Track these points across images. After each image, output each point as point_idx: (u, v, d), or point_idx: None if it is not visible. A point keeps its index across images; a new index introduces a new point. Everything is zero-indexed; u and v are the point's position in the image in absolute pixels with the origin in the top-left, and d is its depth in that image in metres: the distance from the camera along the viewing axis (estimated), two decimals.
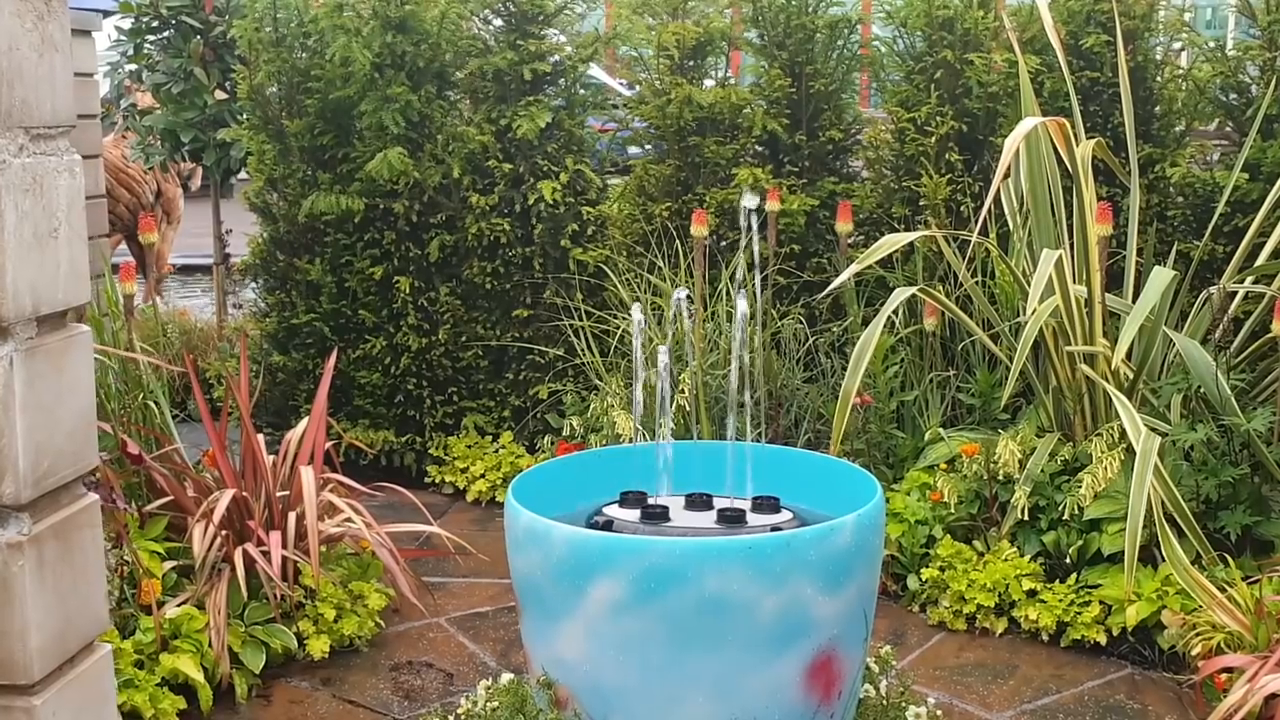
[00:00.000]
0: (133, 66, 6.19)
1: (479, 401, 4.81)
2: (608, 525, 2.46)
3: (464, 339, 4.76)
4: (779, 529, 2.41)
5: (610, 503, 2.60)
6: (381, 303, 4.79)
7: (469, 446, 4.75)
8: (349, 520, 3.49)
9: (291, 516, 3.43)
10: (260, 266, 4.96)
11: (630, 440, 3.68)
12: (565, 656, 2.30)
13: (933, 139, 4.48)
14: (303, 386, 4.86)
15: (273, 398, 4.94)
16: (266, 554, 3.27)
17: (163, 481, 3.46)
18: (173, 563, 3.36)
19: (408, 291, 4.72)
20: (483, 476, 4.64)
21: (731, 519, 2.45)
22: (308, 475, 3.43)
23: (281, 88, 4.84)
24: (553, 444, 4.49)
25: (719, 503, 2.59)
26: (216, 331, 6.05)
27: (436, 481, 4.76)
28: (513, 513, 2.41)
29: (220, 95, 5.89)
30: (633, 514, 2.51)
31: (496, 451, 4.71)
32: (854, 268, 3.47)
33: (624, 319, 4.34)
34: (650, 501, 2.57)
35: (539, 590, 2.32)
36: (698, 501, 2.57)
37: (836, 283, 3.53)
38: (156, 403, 3.80)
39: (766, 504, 2.55)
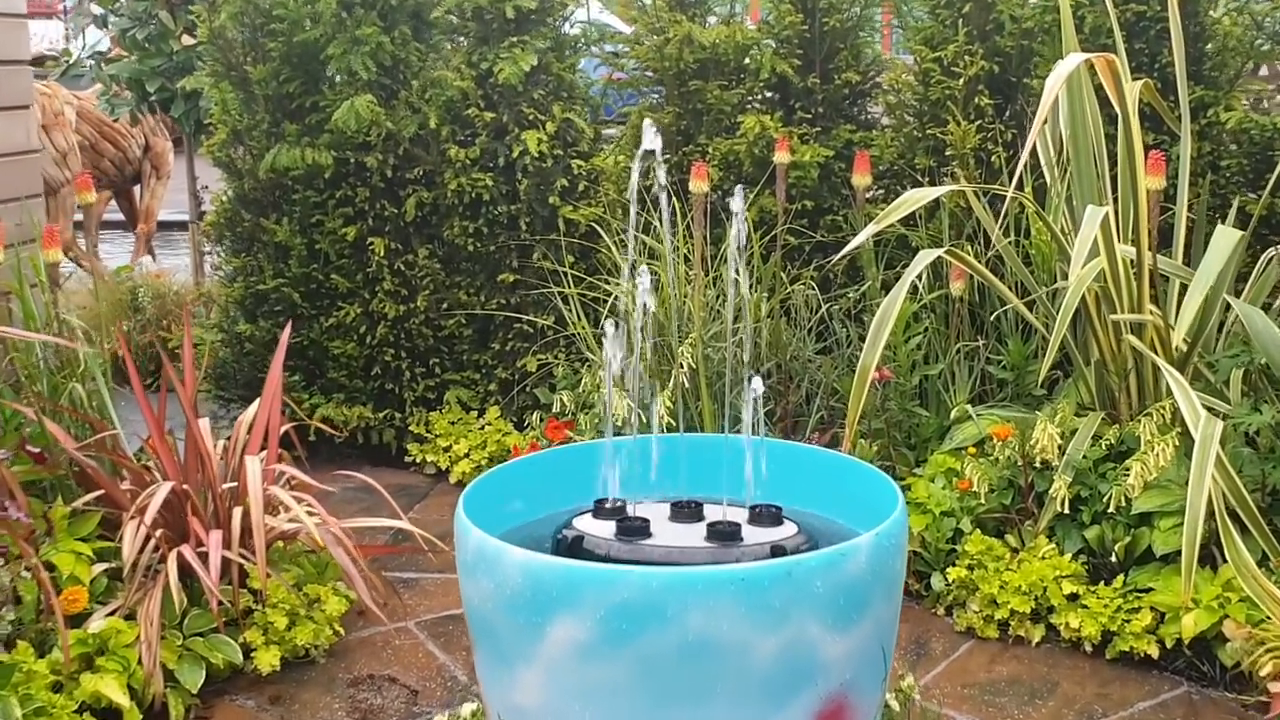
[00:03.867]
0: (99, 10, 5.77)
1: (463, 374, 4.41)
2: (577, 542, 2.07)
3: (445, 306, 4.36)
4: (780, 548, 2.01)
5: (583, 512, 2.20)
6: (355, 266, 4.38)
7: (452, 423, 4.36)
8: (299, 517, 3.10)
9: (237, 512, 3.04)
10: (225, 227, 4.55)
11: (624, 423, 3.29)
12: (523, 705, 1.92)
13: (960, 81, 4.03)
14: (273, 357, 4.46)
15: (241, 369, 4.55)
16: (206, 556, 2.89)
17: (93, 474, 3.08)
18: (105, 565, 2.99)
19: (383, 254, 4.31)
20: (467, 456, 4.25)
21: (724, 535, 2.05)
22: (253, 466, 3.04)
23: (244, 30, 4.41)
24: (542, 421, 4.10)
25: (710, 512, 2.19)
26: (192, 296, 5.66)
27: (418, 461, 4.38)
28: (461, 529, 2.01)
29: (188, 40, 5.46)
30: (608, 527, 2.11)
31: (482, 428, 4.32)
32: (872, 228, 3.04)
33: (618, 284, 3.92)
34: (629, 511, 2.17)
35: (492, 626, 1.93)
36: (685, 511, 2.17)
37: (853, 244, 3.11)
38: (95, 380, 3.42)
39: (766, 514, 2.15)
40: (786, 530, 2.10)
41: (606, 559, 2.00)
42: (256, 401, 3.36)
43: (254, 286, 4.44)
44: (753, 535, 2.07)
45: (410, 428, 4.41)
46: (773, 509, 2.15)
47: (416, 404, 4.42)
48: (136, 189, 8.59)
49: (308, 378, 4.47)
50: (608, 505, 2.18)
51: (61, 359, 3.38)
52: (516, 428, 4.29)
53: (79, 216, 9.89)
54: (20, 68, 3.40)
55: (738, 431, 2.28)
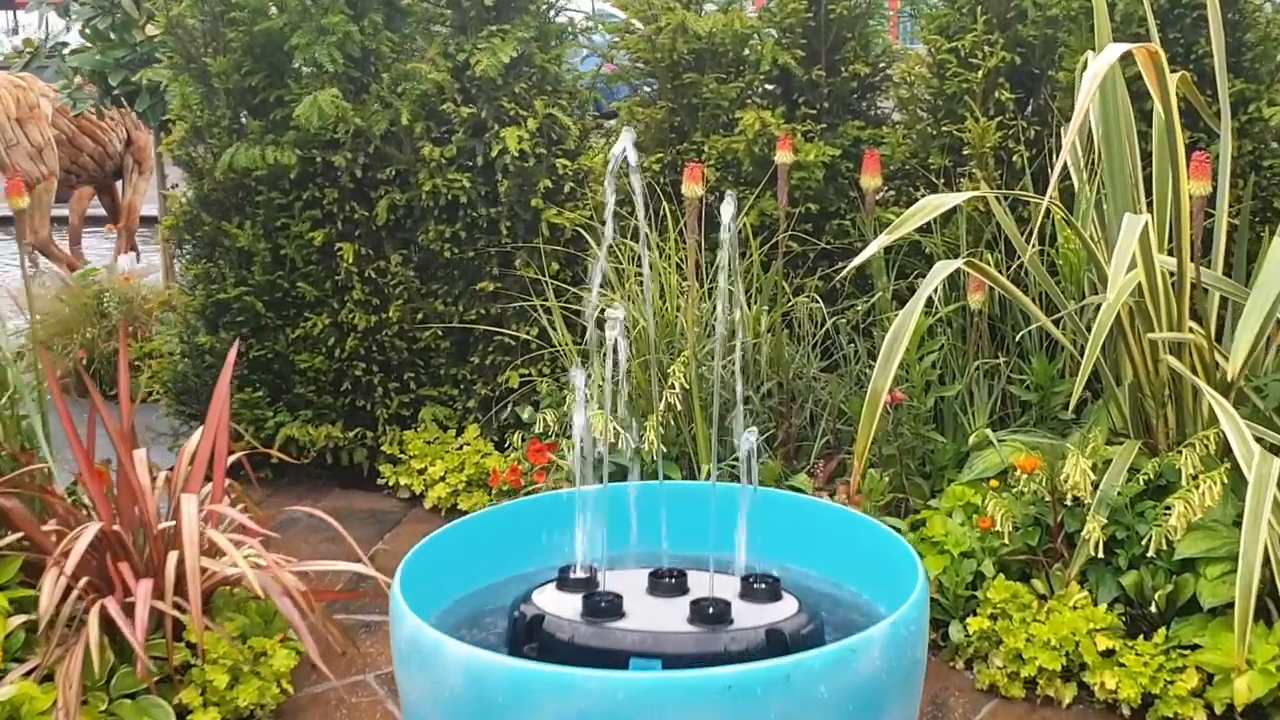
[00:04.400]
0: None
1: (440, 389, 4.09)
2: (536, 623, 1.74)
3: (420, 317, 4.03)
4: (777, 633, 1.68)
5: (546, 582, 1.88)
6: (324, 274, 4.06)
7: (428, 442, 4.03)
8: (248, 558, 2.78)
9: (173, 557, 2.72)
10: (185, 230, 4.23)
11: (610, 450, 2.97)
12: None
13: (979, 73, 3.69)
14: (234, 372, 4.12)
15: (203, 383, 4.22)
16: (133, 607, 2.58)
17: (11, 514, 2.76)
18: (25, 617, 2.67)
19: (352, 260, 3.99)
20: (443, 479, 3.92)
21: (711, 616, 1.72)
22: (189, 506, 2.71)
23: (204, 19, 4.08)
24: (525, 441, 3.77)
25: (696, 582, 1.86)
26: (159, 301, 5.34)
27: (391, 484, 4.05)
28: (396, 613, 1.69)
29: (153, 30, 5.13)
30: (573, 603, 1.78)
31: (460, 449, 3.99)
32: (885, 239, 2.71)
33: (605, 295, 3.59)
34: (599, 581, 1.85)
35: None
36: (666, 583, 1.85)
37: (863, 255, 2.78)
38: (29, 404, 3.10)
39: (761, 586, 1.82)
40: (785, 608, 1.77)
41: (570, 645, 1.68)
42: (197, 432, 3.03)
43: (215, 295, 4.12)
44: (745, 615, 1.74)
45: (383, 448, 4.09)
46: (769, 579, 1.82)
47: (390, 422, 4.10)
48: (120, 184, 8.28)
49: (273, 393, 4.15)
50: (574, 575, 1.85)
51: None
52: (497, 448, 3.97)
53: (64, 212, 9.59)
54: None
55: (736, 459, 1.97)
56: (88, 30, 5.27)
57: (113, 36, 5.15)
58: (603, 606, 1.73)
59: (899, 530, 3.00)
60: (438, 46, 3.95)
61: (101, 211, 8.72)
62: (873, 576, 1.90)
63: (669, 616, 1.75)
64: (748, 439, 1.91)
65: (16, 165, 7.59)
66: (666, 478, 3.16)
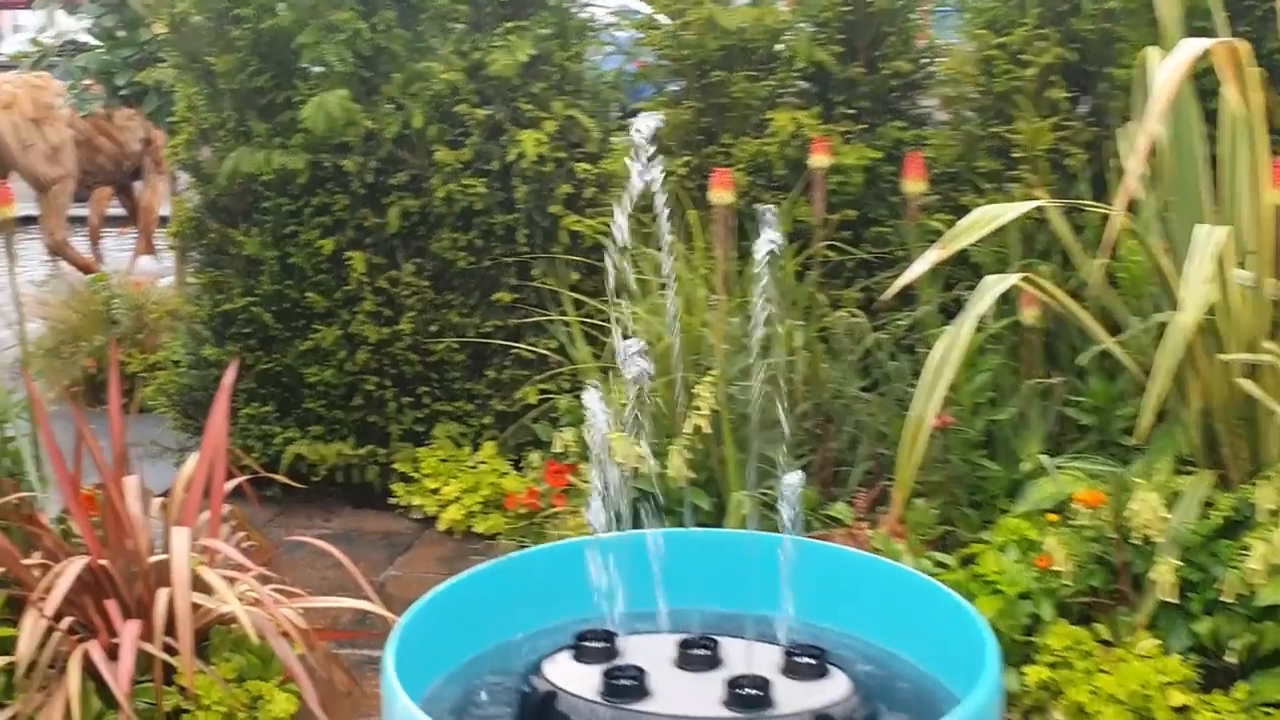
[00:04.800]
0: None
1: (454, 405, 3.88)
2: (549, 701, 1.52)
3: (434, 328, 3.82)
4: (827, 719, 1.45)
5: (560, 650, 1.66)
6: (334, 283, 3.85)
7: (442, 461, 3.83)
8: (245, 594, 2.57)
9: (163, 594, 2.52)
10: (191, 238, 4.04)
11: (633, 474, 2.76)
12: None
13: (1030, 71, 3.45)
14: (242, 386, 3.94)
15: (208, 398, 3.99)
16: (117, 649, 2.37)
17: None
18: (7, 659, 2.47)
19: (363, 270, 3.78)
20: (458, 500, 3.72)
21: (749, 700, 1.50)
22: (180, 540, 2.51)
23: (209, 16, 3.88)
24: (543, 460, 3.56)
25: (730, 653, 1.63)
26: (165, 309, 5.15)
27: (403, 504, 3.84)
28: (387, 692, 1.47)
29: (161, 29, 4.94)
30: (591, 677, 1.56)
31: (475, 468, 3.78)
32: (935, 254, 2.48)
33: (625, 306, 3.36)
34: (620, 651, 1.62)
35: None
36: (697, 654, 1.62)
37: (910, 274, 2.55)
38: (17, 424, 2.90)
39: (807, 660, 1.59)
40: (834, 688, 1.54)
41: None
42: (193, 456, 2.83)
43: (221, 305, 3.93)
44: (788, 696, 1.52)
45: (395, 465, 3.88)
46: (815, 651, 1.60)
47: (403, 438, 3.90)
48: (138, 185, 8.13)
49: (281, 408, 3.95)
50: (592, 641, 1.63)
51: None
52: (514, 467, 3.76)
53: (84, 212, 9.45)
54: None
55: (768, 489, 1.75)
56: (96, 29, 5.10)
57: (120, 35, 4.97)
58: (625, 685, 1.51)
59: (947, 566, 2.77)
60: (451, 45, 3.74)
61: (124, 212, 8.58)
62: (932, 643, 1.67)
63: (701, 697, 1.52)
64: (791, 484, 1.69)
65: (33, 166, 7.44)
66: (695, 506, 2.94)
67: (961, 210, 2.96)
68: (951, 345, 2.55)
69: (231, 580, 2.54)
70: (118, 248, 8.88)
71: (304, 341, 3.87)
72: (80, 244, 8.35)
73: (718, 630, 1.68)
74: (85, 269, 7.52)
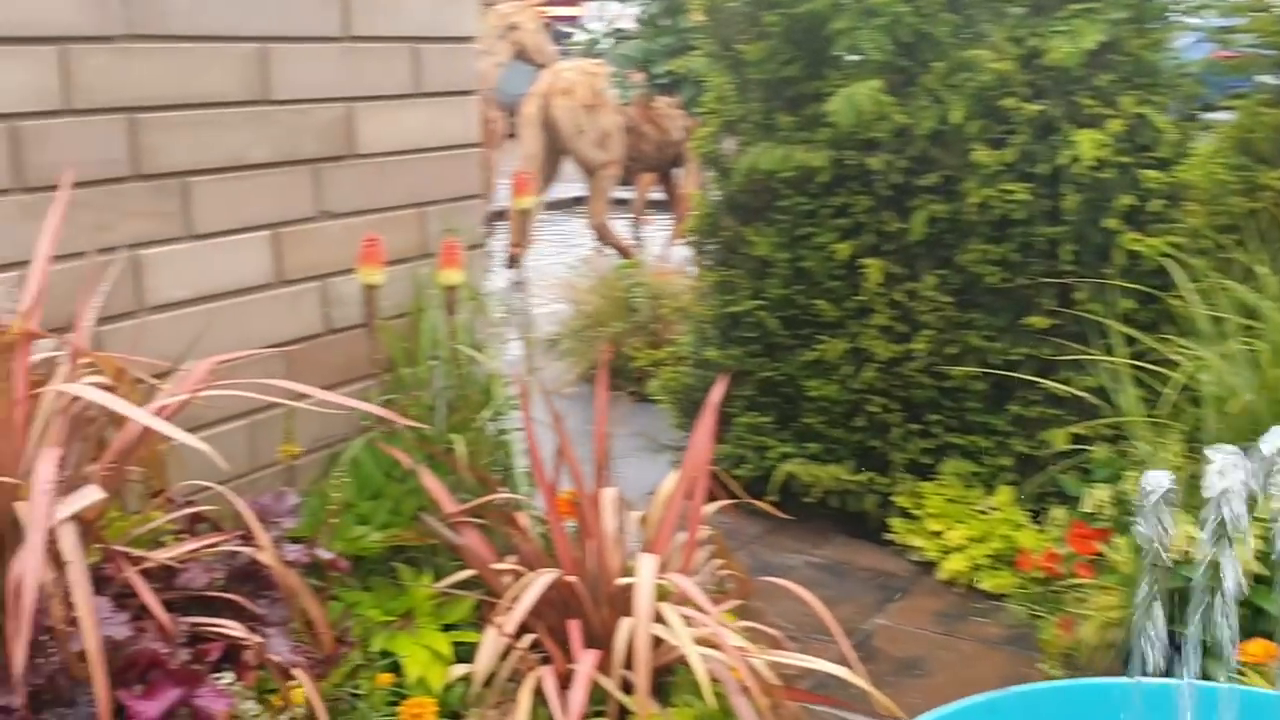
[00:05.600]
0: None
1: (968, 439, 3.43)
2: None
3: (952, 350, 3.40)
4: None
5: None
6: (846, 291, 3.53)
7: (949, 501, 3.40)
8: (710, 635, 2.31)
9: (625, 624, 2.32)
10: (705, 234, 3.88)
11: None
12: None
13: None
14: (740, 392, 3.74)
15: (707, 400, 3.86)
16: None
17: (460, 550, 2.49)
18: (468, 668, 2.38)
19: (879, 279, 3.43)
20: (963, 549, 3.28)
21: None
22: (646, 568, 2.29)
23: (744, 2, 3.69)
24: (1068, 518, 3.04)
25: None
26: (675, 306, 5.09)
27: (900, 543, 3.46)
28: None
29: (698, 17, 4.86)
30: None
31: (986, 514, 3.32)
32: None
33: (1186, 350, 2.77)
34: None
35: None
36: None
37: None
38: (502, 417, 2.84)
39: None
40: None
41: None
42: (671, 475, 2.61)
43: (728, 305, 3.74)
44: None
45: (895, 498, 3.51)
46: None
47: (906, 469, 3.51)
48: (678, 173, 8.33)
49: (779, 419, 3.70)
50: None
51: (463, 393, 2.82)
52: (1032, 520, 3.26)
53: (630, 195, 9.88)
54: (456, 46, 2.87)
55: None
56: (643, 16, 5.13)
57: (663, 23, 4.95)
58: None
59: None
60: (1005, 31, 3.28)
61: (664, 198, 8.86)
62: None
63: None
64: None
65: (583, 151, 7.79)
66: None
67: None
68: None
69: (689, 619, 2.29)
70: (657, 233, 9.17)
71: (808, 352, 3.59)
72: (625, 227, 8.69)
73: None
74: (623, 251, 7.79)
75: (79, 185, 2.17)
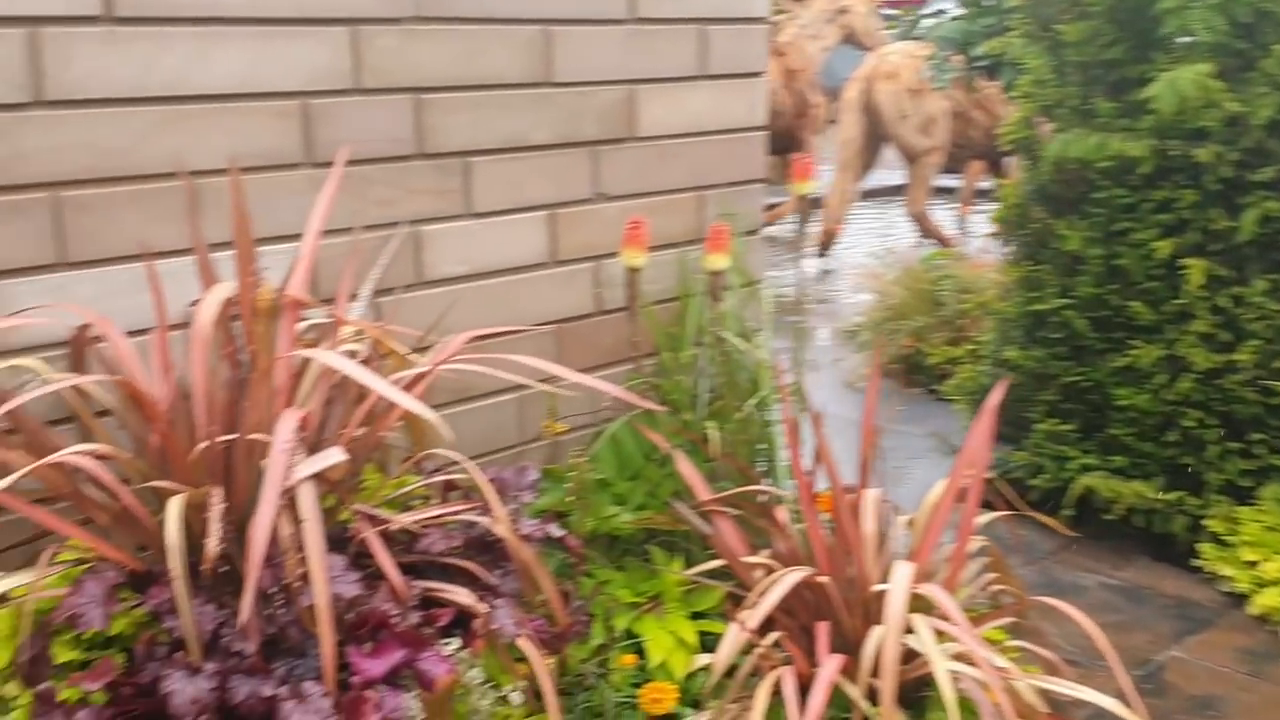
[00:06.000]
0: None
1: None
2: None
3: None
4: None
5: None
6: (1165, 293, 3.25)
7: (1268, 529, 3.08)
8: (966, 651, 2.18)
9: (875, 632, 2.22)
10: (1013, 226, 3.67)
11: None
12: None
13: None
14: (1041, 397, 3.52)
15: (1006, 403, 3.65)
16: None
17: (712, 541, 2.45)
18: (710, 659, 2.35)
19: (1201, 281, 3.13)
20: (1279, 584, 2.96)
21: None
22: (900, 577, 2.18)
23: None
24: None
25: None
26: (978, 302, 4.85)
27: (1209, 571, 3.16)
28: None
29: None
30: None
31: None
32: None
33: None
34: None
35: None
36: None
37: None
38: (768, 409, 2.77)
39: None
40: None
41: None
42: (939, 484, 2.47)
43: (1033, 303, 3.52)
44: None
45: (1207, 522, 3.20)
46: None
47: (1221, 491, 3.20)
48: (1007, 161, 7.98)
49: (1084, 428, 3.45)
50: None
51: (726, 380, 2.77)
52: None
53: (957, 183, 9.55)
54: (746, 27, 2.82)
55: None
56: None
57: (985, 4, 4.72)
58: None
59: None
60: None
61: (992, 187, 8.52)
62: None
63: None
64: None
65: (906, 136, 7.58)
66: None
67: None
68: None
69: (943, 634, 2.16)
70: (983, 224, 8.82)
71: (1119, 357, 3.33)
72: (948, 216, 8.39)
73: None
74: (943, 241, 7.53)
75: (367, 162, 2.28)
